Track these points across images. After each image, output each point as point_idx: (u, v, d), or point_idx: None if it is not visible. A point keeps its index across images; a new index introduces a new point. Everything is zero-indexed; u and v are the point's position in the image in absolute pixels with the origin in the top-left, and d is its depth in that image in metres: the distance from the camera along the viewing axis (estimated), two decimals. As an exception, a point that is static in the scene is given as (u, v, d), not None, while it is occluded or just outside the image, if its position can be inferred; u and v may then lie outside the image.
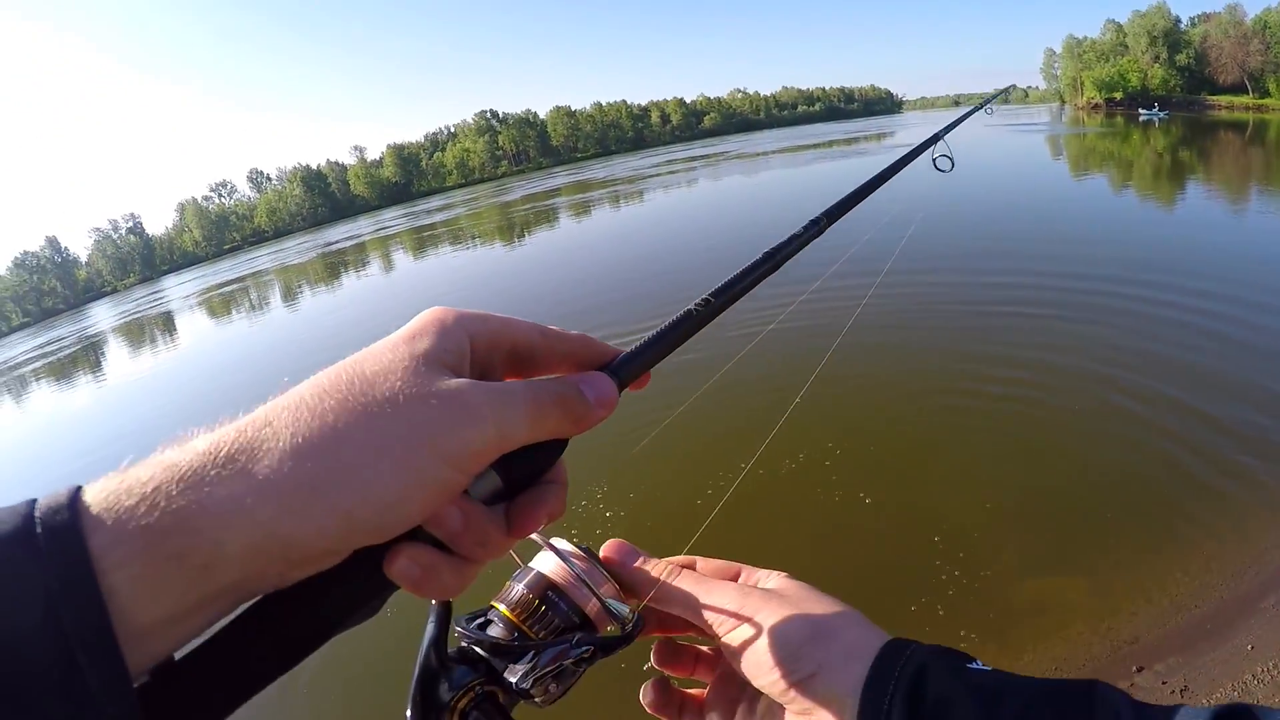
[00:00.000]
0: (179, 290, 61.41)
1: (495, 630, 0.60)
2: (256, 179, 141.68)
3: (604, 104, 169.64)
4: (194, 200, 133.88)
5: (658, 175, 60.73)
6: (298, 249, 71.48)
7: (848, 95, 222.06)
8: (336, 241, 65.28)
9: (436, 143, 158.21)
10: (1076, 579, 5.38)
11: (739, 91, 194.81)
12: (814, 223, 0.75)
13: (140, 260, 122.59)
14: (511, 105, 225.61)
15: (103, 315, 61.95)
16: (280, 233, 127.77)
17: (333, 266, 41.22)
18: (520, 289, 20.01)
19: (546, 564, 0.63)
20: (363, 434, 0.40)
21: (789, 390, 8.84)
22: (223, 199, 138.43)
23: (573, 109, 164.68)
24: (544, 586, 0.61)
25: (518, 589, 0.62)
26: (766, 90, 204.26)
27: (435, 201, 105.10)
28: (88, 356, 31.57)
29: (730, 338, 11.23)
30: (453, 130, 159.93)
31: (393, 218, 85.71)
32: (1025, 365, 9.99)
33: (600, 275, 19.40)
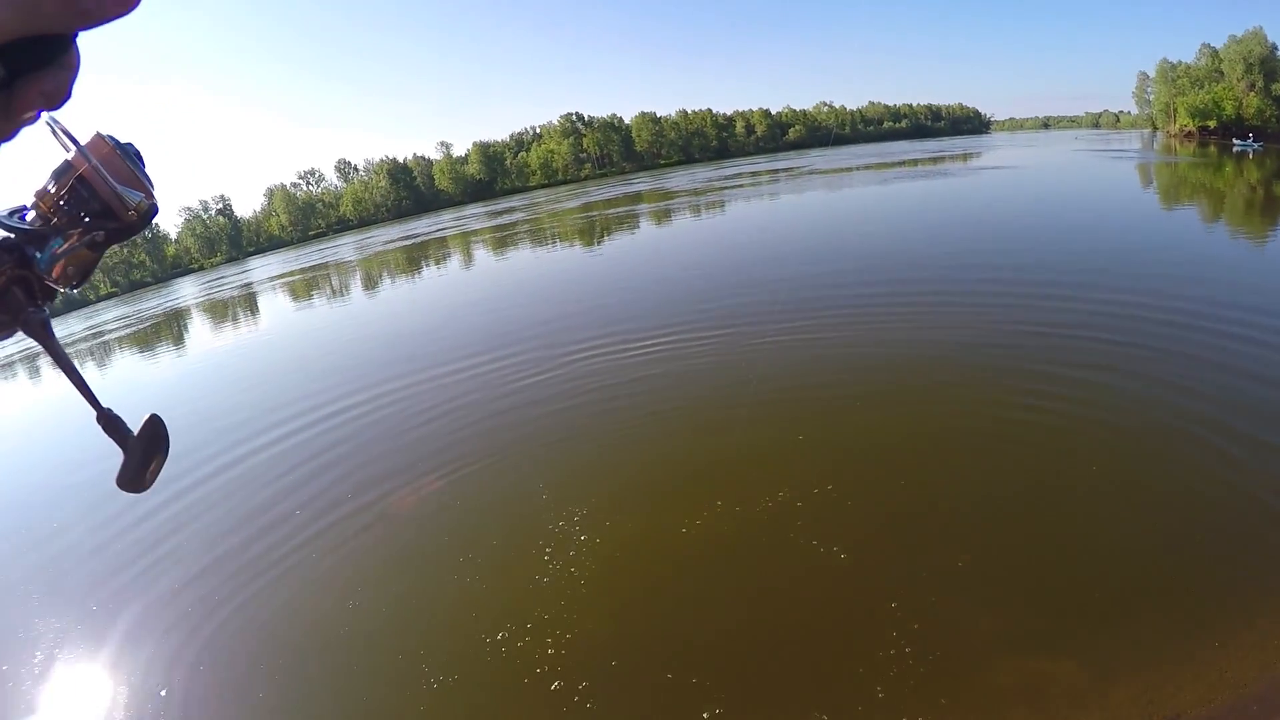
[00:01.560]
0: (263, 272, 65.30)
1: (28, 218, 0.65)
2: (344, 169, 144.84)
3: (689, 112, 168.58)
4: (283, 186, 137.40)
5: (738, 187, 61.01)
6: (381, 239, 75.63)
7: (935, 113, 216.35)
8: (420, 234, 68.45)
9: (521, 142, 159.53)
10: (1065, 661, 4.89)
11: (825, 105, 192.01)
12: None
13: (228, 241, 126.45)
14: (597, 109, 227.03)
15: (188, 290, 66.66)
16: (364, 222, 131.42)
17: (413, 259, 44.26)
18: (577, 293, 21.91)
19: (76, 152, 0.65)
20: None
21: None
22: (310, 187, 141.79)
23: (658, 115, 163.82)
24: (69, 177, 0.65)
25: (46, 180, 0.65)
26: (852, 105, 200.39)
27: (517, 200, 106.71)
28: (170, 329, 35.29)
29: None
30: (538, 131, 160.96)
31: (474, 213, 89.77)
32: (1055, 394, 9.43)
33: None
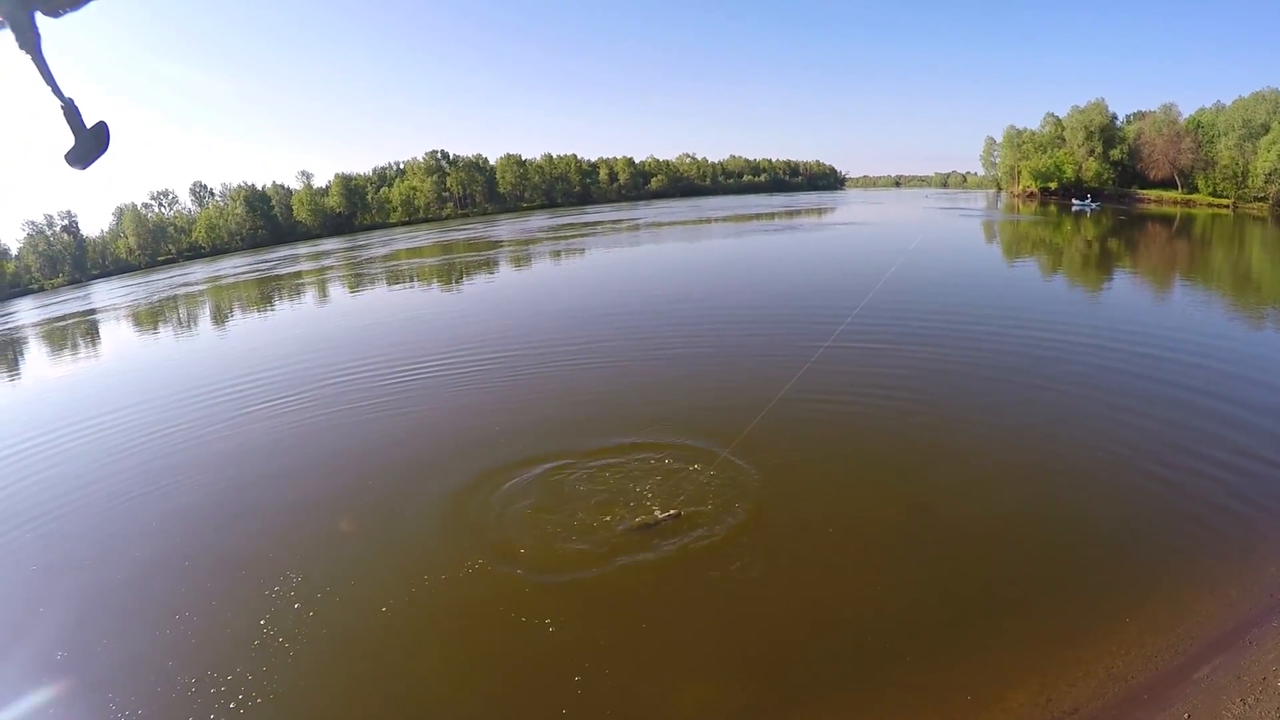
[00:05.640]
0: (106, 298, 64.00)
1: None
2: (199, 193, 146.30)
3: (554, 156, 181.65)
4: (133, 206, 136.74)
5: (582, 236, 64.65)
6: (232, 269, 77.23)
7: (793, 169, 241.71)
8: (273, 264, 71.49)
9: (384, 177, 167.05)
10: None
11: (687, 156, 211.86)
12: None
13: (71, 261, 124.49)
14: (463, 148, 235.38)
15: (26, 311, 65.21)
16: (217, 250, 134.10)
17: (266, 294, 45.91)
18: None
19: None
20: None
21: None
22: (162, 209, 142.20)
23: (523, 158, 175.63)
24: None
25: None
26: (714, 157, 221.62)
27: (377, 236, 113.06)
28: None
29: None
30: (401, 167, 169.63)
31: (332, 248, 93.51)
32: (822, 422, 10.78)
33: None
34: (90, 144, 2.00)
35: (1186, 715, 5.24)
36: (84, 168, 2.05)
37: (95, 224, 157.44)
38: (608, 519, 8.69)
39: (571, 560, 7.80)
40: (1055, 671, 5.67)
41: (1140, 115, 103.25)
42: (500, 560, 7.97)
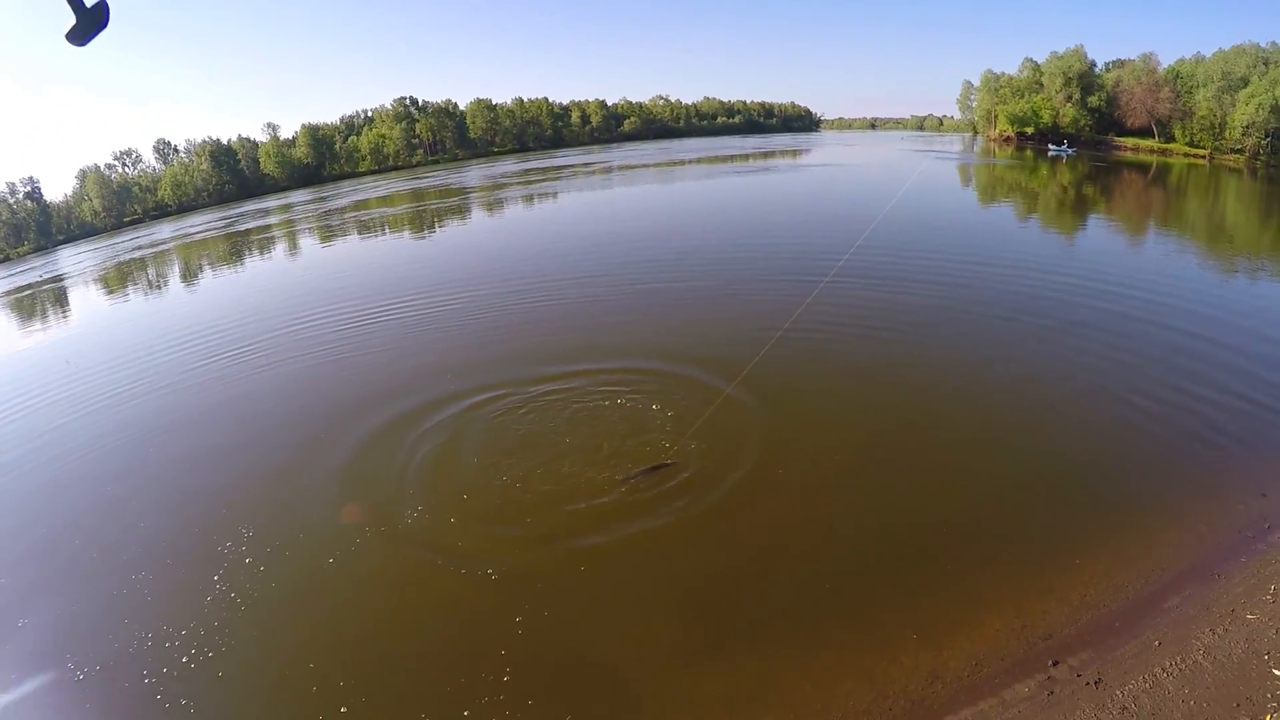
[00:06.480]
0: (68, 264, 63.09)
1: None
2: (163, 150, 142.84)
3: (525, 100, 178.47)
4: (96, 168, 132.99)
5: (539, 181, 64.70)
6: (196, 226, 76.87)
7: (768, 110, 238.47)
8: (241, 219, 70.68)
9: (352, 126, 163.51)
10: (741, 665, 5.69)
11: (661, 98, 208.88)
12: None
13: (36, 228, 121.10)
14: (432, 93, 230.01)
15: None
16: (184, 208, 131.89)
17: (228, 250, 46.05)
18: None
19: None
20: None
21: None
22: (126, 169, 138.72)
23: (493, 102, 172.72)
24: None
25: None
26: (688, 99, 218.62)
27: (345, 186, 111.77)
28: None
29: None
30: (370, 115, 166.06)
31: (299, 200, 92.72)
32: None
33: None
34: (89, 22, 2.12)
35: (1157, 643, 5.49)
36: (83, 44, 2.18)
37: (59, 188, 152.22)
38: (565, 469, 8.90)
39: (522, 508, 7.97)
40: (1030, 599, 5.91)
41: (1119, 63, 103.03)
42: (448, 506, 8.11)
